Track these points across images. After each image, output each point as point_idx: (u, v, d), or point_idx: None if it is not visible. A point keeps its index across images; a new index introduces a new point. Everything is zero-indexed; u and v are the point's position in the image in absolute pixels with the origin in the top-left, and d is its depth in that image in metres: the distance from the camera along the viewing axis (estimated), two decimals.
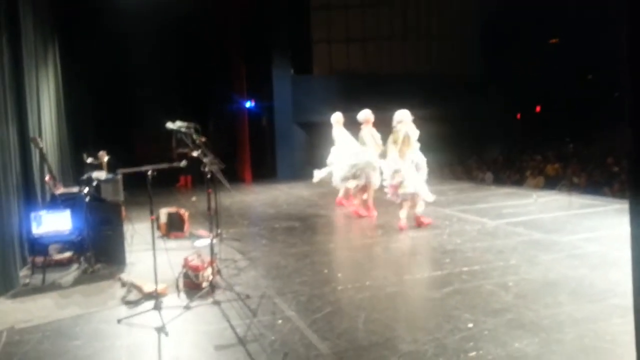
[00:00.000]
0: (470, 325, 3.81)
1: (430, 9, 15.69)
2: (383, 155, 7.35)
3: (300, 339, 3.69)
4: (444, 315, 4.07)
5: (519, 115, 18.23)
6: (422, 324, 3.94)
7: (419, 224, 7.03)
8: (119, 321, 4.10)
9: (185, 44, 13.10)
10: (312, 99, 14.00)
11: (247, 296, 4.55)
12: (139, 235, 6.53)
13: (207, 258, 4.81)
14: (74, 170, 9.01)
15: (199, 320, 4.12)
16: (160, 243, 6.18)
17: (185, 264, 4.76)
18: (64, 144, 8.98)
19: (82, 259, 5.62)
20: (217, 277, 4.87)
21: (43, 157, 6.42)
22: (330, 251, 6.27)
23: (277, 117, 14.06)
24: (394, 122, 7.02)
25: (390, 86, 13.29)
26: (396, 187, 6.95)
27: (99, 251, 5.57)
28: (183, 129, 5.14)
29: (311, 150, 14.36)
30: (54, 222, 5.57)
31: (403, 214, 6.97)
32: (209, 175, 5.13)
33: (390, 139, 7.00)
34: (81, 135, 10.37)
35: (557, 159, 13.63)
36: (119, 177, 5.88)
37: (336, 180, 8.36)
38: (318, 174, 8.74)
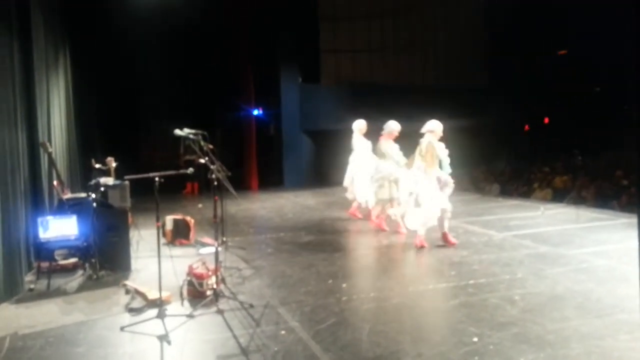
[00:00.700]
0: (476, 339, 3.77)
1: (436, 20, 15.72)
2: (409, 166, 6.99)
3: (304, 350, 3.66)
4: (449, 329, 4.04)
5: (527, 127, 18.15)
6: (427, 337, 3.90)
7: (445, 241, 6.65)
8: (122, 328, 4.10)
9: (193, 52, 13.16)
10: (320, 107, 14.05)
11: (251, 305, 4.54)
12: (144, 242, 6.55)
13: (212, 266, 4.81)
14: (82, 176, 9.05)
15: (202, 329, 4.11)
16: (166, 250, 6.17)
17: (190, 272, 4.76)
18: (72, 149, 9.04)
19: (87, 265, 5.63)
20: (221, 286, 4.87)
21: (52, 162, 6.46)
22: (335, 261, 6.24)
23: (284, 125, 14.09)
24: (423, 130, 6.70)
25: (396, 97, 13.29)
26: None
27: (104, 257, 5.58)
28: (191, 136, 5.17)
29: (318, 158, 14.38)
30: (60, 228, 5.59)
31: (421, 230, 6.57)
32: (215, 183, 5.14)
33: (417, 150, 6.68)
34: (90, 141, 10.44)
35: (565, 171, 13.54)
36: (126, 183, 5.89)
37: (361, 196, 8.20)
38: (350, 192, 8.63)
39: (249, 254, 6.51)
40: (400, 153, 7.50)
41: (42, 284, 5.26)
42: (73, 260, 5.78)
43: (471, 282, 5.13)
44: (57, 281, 5.36)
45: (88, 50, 10.65)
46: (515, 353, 3.53)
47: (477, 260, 5.93)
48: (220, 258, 5.08)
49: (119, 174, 7.42)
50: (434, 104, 13.24)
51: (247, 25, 13.52)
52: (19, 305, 4.76)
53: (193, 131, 5.21)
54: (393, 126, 7.60)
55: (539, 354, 3.51)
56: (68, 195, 6.37)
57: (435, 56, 15.75)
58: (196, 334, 4.01)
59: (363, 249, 6.92)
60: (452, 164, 6.58)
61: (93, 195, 5.84)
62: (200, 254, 6.18)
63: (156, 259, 4.33)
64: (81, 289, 5.22)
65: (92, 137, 10.95)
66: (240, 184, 12.70)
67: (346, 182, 8.68)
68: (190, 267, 4.79)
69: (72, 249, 5.74)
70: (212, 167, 5.08)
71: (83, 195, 6.19)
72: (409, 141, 7.40)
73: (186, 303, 4.61)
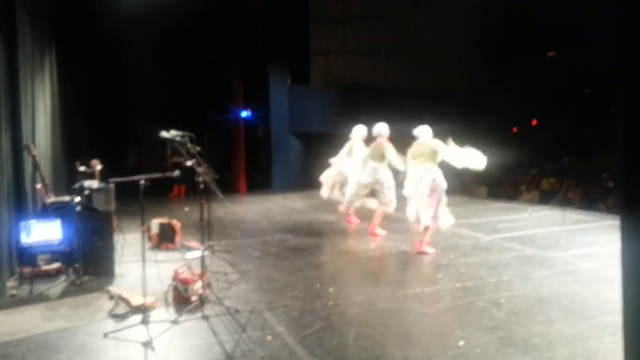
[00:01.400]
0: (462, 342, 3.77)
1: (428, 23, 15.76)
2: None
3: (290, 356, 3.63)
4: (435, 332, 4.04)
5: (515, 129, 18.26)
6: (413, 340, 3.89)
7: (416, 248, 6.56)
8: (105, 335, 4.03)
9: (182, 53, 13.10)
10: (309, 109, 14.01)
11: (237, 311, 4.49)
12: (129, 246, 6.47)
13: (198, 271, 4.76)
14: (67, 179, 8.94)
15: (187, 335, 4.05)
16: (151, 255, 6.12)
17: (175, 277, 4.71)
18: (57, 152, 8.93)
19: (70, 270, 5.54)
20: (207, 291, 4.82)
21: (36, 165, 6.37)
22: (322, 265, 6.22)
23: (273, 127, 14.04)
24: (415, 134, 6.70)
25: (386, 99, 13.30)
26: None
27: (87, 262, 5.49)
28: (177, 138, 5.11)
29: (307, 161, 14.35)
30: (43, 232, 5.50)
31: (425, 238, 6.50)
32: (202, 186, 5.10)
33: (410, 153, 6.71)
34: (75, 143, 10.32)
35: (552, 173, 13.63)
36: (111, 186, 5.83)
37: (347, 197, 8.06)
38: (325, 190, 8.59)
39: (235, 258, 6.46)
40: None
41: (25, 289, 5.17)
42: (56, 265, 5.68)
43: (458, 285, 5.13)
44: (40, 287, 5.26)
45: (74, 51, 10.55)
46: (501, 356, 3.53)
47: (465, 263, 5.93)
48: (207, 262, 5.05)
49: (104, 176, 7.35)
50: (424, 106, 13.32)
51: (237, 27, 13.48)
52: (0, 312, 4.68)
53: (180, 133, 5.15)
54: (386, 128, 7.58)
55: (524, 357, 3.51)
56: (52, 198, 6.28)
57: (426, 59, 15.79)
58: (181, 340, 3.96)
59: (351, 252, 6.90)
60: (442, 166, 6.53)
61: (77, 199, 5.76)
62: (186, 259, 6.12)
63: (141, 264, 4.28)
64: (64, 294, 5.13)
65: (78, 139, 10.84)
66: (228, 187, 12.65)
67: (328, 181, 8.61)
68: (176, 272, 4.74)
69: (55, 254, 5.66)
70: (198, 169, 5.04)
71: (67, 198, 6.10)
72: (397, 144, 7.43)
73: (171, 309, 4.55)
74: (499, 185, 13.41)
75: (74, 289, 5.25)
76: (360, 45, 15.08)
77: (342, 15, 14.83)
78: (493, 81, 15.51)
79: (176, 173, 4.85)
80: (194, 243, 6.83)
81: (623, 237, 2.11)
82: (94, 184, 6.26)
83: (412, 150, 6.67)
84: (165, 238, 6.92)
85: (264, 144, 14.62)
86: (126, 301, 4.63)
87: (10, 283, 5.39)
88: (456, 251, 6.46)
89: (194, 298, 4.59)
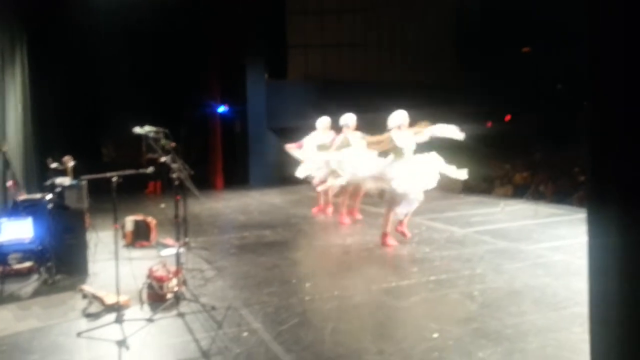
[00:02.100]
0: (436, 335, 3.83)
1: (406, 18, 15.83)
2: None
3: (266, 352, 3.64)
4: (410, 325, 4.09)
5: (489, 124, 18.51)
6: (388, 334, 3.94)
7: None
8: (78, 334, 3.98)
9: (157, 47, 12.90)
10: (287, 104, 13.95)
11: (213, 307, 4.48)
12: (103, 244, 6.37)
13: (173, 268, 4.73)
14: (38, 176, 8.77)
15: (162, 333, 4.03)
16: (125, 252, 6.06)
17: (150, 275, 4.66)
18: (29, 148, 8.75)
19: (42, 269, 5.45)
20: (183, 288, 4.79)
21: (7, 162, 6.23)
22: (299, 260, 6.23)
23: (250, 122, 13.95)
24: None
25: (365, 93, 13.34)
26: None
27: (60, 261, 5.40)
28: (152, 134, 5.05)
29: (285, 156, 14.30)
30: (14, 230, 5.40)
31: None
32: (177, 182, 5.05)
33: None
34: (48, 139, 10.10)
35: (525, 167, 13.87)
36: (83, 183, 5.73)
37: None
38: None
39: (212, 254, 6.43)
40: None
41: None
42: (28, 264, 5.58)
43: (432, 278, 5.20)
44: (11, 286, 5.17)
45: (47, 45, 10.32)
46: (475, 348, 3.60)
47: (439, 256, 6.01)
48: (182, 259, 5.02)
49: (77, 173, 7.21)
50: (403, 100, 13.39)
51: (213, 20, 13.32)
52: None
53: (154, 129, 5.09)
54: (353, 119, 8.01)
55: (497, 348, 3.58)
56: (23, 196, 6.16)
57: (403, 53, 15.87)
58: (156, 338, 3.93)
59: (328, 247, 6.93)
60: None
61: (49, 196, 5.65)
62: (161, 256, 6.06)
63: (114, 262, 4.23)
64: (36, 294, 5.05)
65: (50, 135, 10.61)
66: (205, 183, 12.55)
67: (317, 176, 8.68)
68: (150, 270, 4.69)
69: (26, 253, 5.55)
70: (173, 166, 4.99)
71: (39, 196, 5.98)
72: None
73: (146, 307, 4.51)
74: (473, 179, 13.58)
75: (47, 288, 5.16)
76: (338, 39, 15.07)
77: (320, 9, 14.80)
78: (468, 76, 15.69)
79: (150, 169, 4.80)
80: (169, 240, 6.77)
81: (589, 231, 2.16)
82: (66, 181, 6.14)
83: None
84: (140, 235, 6.85)
85: (241, 140, 14.52)
86: (100, 300, 4.57)
87: None
88: (431, 245, 6.54)
89: (169, 296, 4.56)
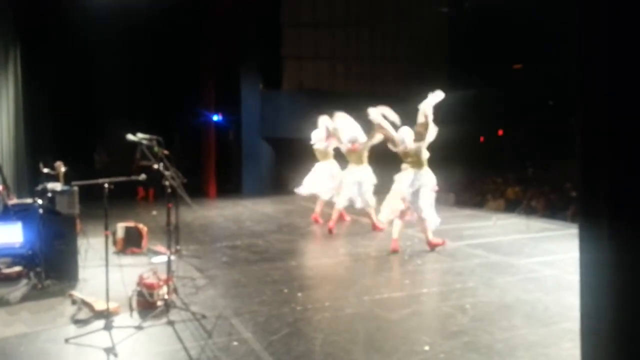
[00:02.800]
0: (427, 347, 3.82)
1: (398, 32, 15.98)
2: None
3: None
4: (401, 338, 4.07)
5: (482, 138, 18.66)
6: (378, 346, 3.92)
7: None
8: (66, 341, 3.93)
9: (152, 54, 12.92)
10: (280, 114, 13.99)
11: (203, 316, 4.45)
12: (93, 251, 6.32)
13: (164, 276, 4.70)
14: (30, 181, 8.71)
15: (151, 341, 3.99)
16: (116, 259, 6.01)
17: (140, 282, 4.63)
18: (20, 153, 8.71)
19: (32, 274, 5.39)
20: (173, 296, 4.75)
21: None
22: (292, 270, 6.21)
23: (244, 131, 13.97)
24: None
25: (358, 105, 13.39)
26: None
27: (50, 266, 5.34)
28: (144, 141, 5.04)
29: (278, 166, 14.33)
30: (4, 235, 5.35)
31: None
32: (169, 189, 5.04)
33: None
34: (40, 144, 10.06)
35: (517, 182, 13.97)
36: (75, 189, 5.69)
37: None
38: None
39: (203, 263, 6.39)
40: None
41: None
42: (17, 269, 5.52)
43: (424, 290, 5.20)
44: (0, 291, 5.11)
45: (41, 49, 10.30)
46: None
47: (431, 269, 6.02)
48: (173, 267, 4.98)
49: (69, 179, 7.17)
50: (395, 113, 13.49)
51: (209, 30, 13.37)
52: None
53: (147, 136, 5.08)
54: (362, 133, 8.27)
55: None
56: (14, 200, 6.11)
57: (396, 66, 15.99)
58: (145, 346, 3.90)
59: (320, 257, 6.92)
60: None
61: (39, 201, 5.61)
62: (152, 263, 6.02)
63: (105, 269, 4.20)
64: (25, 299, 4.99)
65: (43, 140, 10.56)
66: (198, 191, 12.51)
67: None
68: (141, 277, 4.66)
69: (16, 257, 5.50)
70: (166, 173, 4.98)
71: (29, 201, 5.94)
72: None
73: (135, 314, 4.47)
74: (466, 193, 13.66)
75: (36, 293, 5.11)
76: (332, 52, 15.18)
77: (313, 21, 14.91)
78: (461, 91, 15.82)
79: (142, 177, 4.79)
80: (160, 247, 6.73)
81: (581, 246, 2.18)
82: (57, 186, 6.10)
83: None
84: (131, 242, 6.80)
85: (235, 149, 14.52)
86: (89, 306, 4.53)
87: None
88: (423, 257, 6.54)
89: (159, 303, 4.53)
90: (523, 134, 17.36)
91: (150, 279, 4.63)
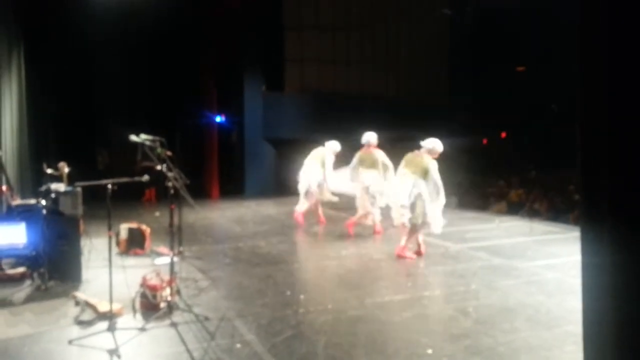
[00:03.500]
0: (430, 351, 3.82)
1: (400, 34, 16.00)
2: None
3: None
4: (403, 341, 4.07)
5: (485, 141, 18.63)
6: (381, 349, 3.92)
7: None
8: (70, 342, 3.95)
9: (155, 55, 12.95)
10: (283, 116, 14.03)
11: (206, 318, 4.46)
12: (96, 252, 6.34)
13: (167, 277, 4.71)
14: (33, 181, 8.74)
15: (154, 342, 4.00)
16: (119, 260, 6.03)
17: (143, 283, 4.64)
18: (24, 154, 8.74)
19: (35, 274, 5.41)
20: (176, 298, 4.77)
21: (1, 166, 6.22)
22: (294, 272, 6.22)
23: (246, 133, 13.99)
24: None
25: (359, 108, 13.42)
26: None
27: (53, 267, 5.37)
28: (147, 142, 5.05)
29: (280, 167, 14.33)
30: (8, 235, 5.38)
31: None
32: (172, 191, 5.05)
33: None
34: (43, 145, 10.09)
35: (520, 185, 13.93)
36: (78, 190, 5.71)
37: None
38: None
39: (206, 264, 6.40)
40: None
41: None
42: (21, 269, 5.55)
43: (426, 293, 5.20)
44: (3, 291, 5.14)
45: (43, 50, 10.33)
46: None
47: (433, 271, 6.02)
48: (176, 269, 5.00)
49: (72, 179, 7.19)
50: (396, 116, 13.51)
51: (211, 31, 13.41)
52: None
53: (150, 137, 5.10)
54: (375, 137, 7.97)
55: None
56: (17, 201, 6.13)
57: (398, 69, 16.01)
58: (148, 348, 3.91)
59: (322, 259, 6.92)
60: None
61: (43, 202, 5.63)
62: (155, 264, 6.04)
63: (108, 270, 4.21)
64: (28, 300, 5.01)
65: (46, 141, 10.60)
66: (201, 192, 12.53)
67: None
68: (144, 278, 4.67)
69: (20, 258, 5.53)
70: (169, 174, 4.99)
71: (33, 201, 5.96)
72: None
73: (138, 316, 4.48)
74: (469, 196, 13.63)
75: (39, 294, 5.13)
76: (334, 54, 15.21)
77: (316, 24, 14.94)
78: (464, 93, 15.82)
79: (145, 178, 4.80)
80: (163, 249, 6.74)
81: (583, 249, 2.18)
82: (60, 187, 6.13)
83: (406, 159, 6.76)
84: (134, 243, 6.81)
85: (237, 150, 14.54)
86: (93, 307, 4.54)
87: None
88: (425, 260, 6.54)
89: (162, 305, 4.54)
90: (526, 137, 17.33)
91: (154, 281, 4.64)
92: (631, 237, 1.95)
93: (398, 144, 9.11)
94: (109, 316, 4.18)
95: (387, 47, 15.85)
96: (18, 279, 5.48)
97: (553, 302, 4.86)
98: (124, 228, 6.85)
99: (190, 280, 5.58)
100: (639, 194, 1.93)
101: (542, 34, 15.27)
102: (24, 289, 5.28)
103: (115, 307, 4.30)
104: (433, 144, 6.61)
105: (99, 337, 4.04)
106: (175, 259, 5.07)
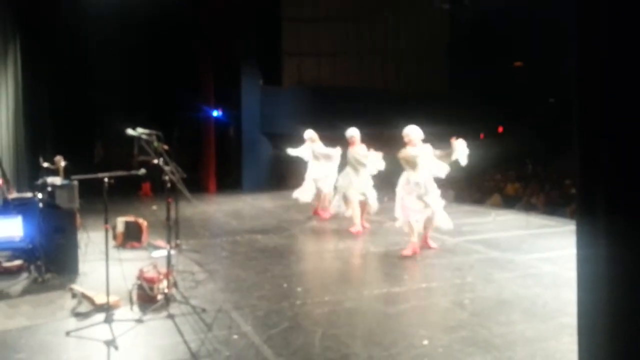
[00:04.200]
0: (426, 342, 3.84)
1: (398, 27, 15.97)
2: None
3: (255, 355, 3.64)
4: (400, 332, 4.09)
5: (482, 135, 18.65)
6: (378, 340, 3.94)
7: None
8: (67, 334, 3.96)
9: (152, 49, 12.91)
10: (281, 110, 14.00)
11: (203, 310, 4.46)
12: (93, 245, 6.34)
13: (164, 269, 4.71)
14: (30, 175, 8.72)
15: (151, 334, 4.01)
16: (115, 253, 6.02)
17: (140, 276, 4.64)
18: (20, 147, 8.71)
19: (32, 267, 5.41)
20: (173, 290, 4.77)
21: None
22: (291, 264, 6.22)
23: (244, 127, 13.97)
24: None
25: (358, 101, 13.41)
26: None
27: (50, 260, 5.36)
28: (144, 136, 5.04)
29: (277, 161, 14.32)
30: (4, 228, 5.37)
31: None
32: (169, 184, 5.05)
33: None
34: (40, 139, 10.07)
35: (517, 178, 13.97)
36: (75, 183, 5.71)
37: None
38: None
39: (203, 257, 6.41)
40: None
41: None
42: (17, 262, 5.55)
43: (423, 285, 5.22)
44: (1, 284, 5.13)
45: (40, 44, 10.29)
46: (463, 356, 3.61)
47: (430, 264, 6.04)
48: (173, 261, 5.00)
49: (69, 173, 7.19)
50: (395, 109, 13.49)
51: (209, 25, 13.36)
52: None
53: (147, 131, 5.08)
54: (357, 132, 8.00)
55: (485, 357, 3.60)
56: (14, 194, 6.12)
57: (396, 62, 15.99)
58: (145, 339, 3.92)
59: (320, 252, 6.94)
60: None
61: (39, 195, 5.62)
62: (152, 257, 6.04)
63: (105, 262, 4.21)
64: (25, 292, 5.01)
65: (43, 134, 10.58)
66: (198, 186, 12.53)
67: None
68: (141, 271, 4.67)
69: (16, 251, 5.52)
70: (166, 168, 4.98)
71: (29, 195, 5.95)
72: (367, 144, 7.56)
73: (135, 308, 4.49)
74: (465, 189, 13.65)
75: (36, 287, 5.13)
76: (332, 47, 15.17)
77: (313, 16, 14.89)
78: (461, 87, 15.81)
79: (142, 171, 4.79)
80: (160, 242, 6.74)
81: (578, 242, 2.19)
82: (57, 180, 6.12)
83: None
84: (131, 236, 6.82)
85: (235, 144, 14.53)
86: (90, 300, 4.55)
87: None
88: (422, 253, 6.56)
89: (159, 297, 4.54)
90: (523, 131, 17.35)
91: (151, 273, 4.64)
92: (626, 230, 1.96)
93: (397, 138, 9.12)
94: (106, 308, 4.18)
95: (385, 40, 15.82)
96: (15, 272, 5.48)
97: (549, 295, 4.88)
98: (120, 221, 6.85)
99: (187, 273, 5.59)
100: (634, 188, 1.94)
101: (541, 30, 15.25)
102: (21, 282, 5.29)
103: (112, 299, 4.30)
104: (405, 133, 6.80)
105: (96, 328, 4.04)
106: (172, 251, 5.07)
